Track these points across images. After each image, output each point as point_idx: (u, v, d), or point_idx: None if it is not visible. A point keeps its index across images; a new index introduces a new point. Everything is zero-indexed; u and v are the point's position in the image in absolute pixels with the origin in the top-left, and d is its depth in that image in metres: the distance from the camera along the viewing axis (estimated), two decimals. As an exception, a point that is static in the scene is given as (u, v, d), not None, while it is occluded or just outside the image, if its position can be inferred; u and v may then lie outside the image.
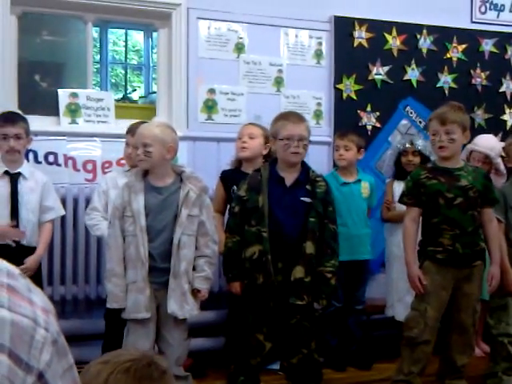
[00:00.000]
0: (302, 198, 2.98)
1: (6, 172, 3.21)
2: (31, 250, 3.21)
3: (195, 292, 2.88)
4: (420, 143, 3.93)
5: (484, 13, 4.79)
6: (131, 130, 3.33)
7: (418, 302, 3.13)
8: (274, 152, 3.35)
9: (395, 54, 4.49)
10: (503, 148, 3.73)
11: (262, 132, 3.55)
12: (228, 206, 3.48)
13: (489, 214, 3.17)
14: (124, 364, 1.06)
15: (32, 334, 0.69)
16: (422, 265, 3.12)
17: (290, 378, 3.09)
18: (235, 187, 3.39)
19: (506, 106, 4.78)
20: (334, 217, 3.07)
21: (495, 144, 3.97)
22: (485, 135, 4.10)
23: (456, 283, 3.10)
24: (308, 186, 3.01)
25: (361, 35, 4.40)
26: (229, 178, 3.58)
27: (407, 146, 3.94)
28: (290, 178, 3.02)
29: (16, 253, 3.09)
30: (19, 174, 3.23)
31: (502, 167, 3.90)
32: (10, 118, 3.25)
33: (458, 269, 3.08)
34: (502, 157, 3.84)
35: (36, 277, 3.15)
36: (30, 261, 3.15)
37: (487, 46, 4.74)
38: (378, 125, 4.44)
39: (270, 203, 2.95)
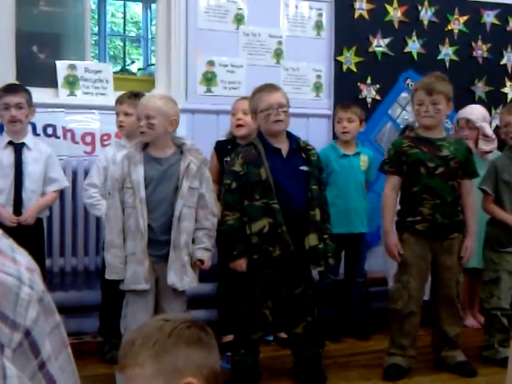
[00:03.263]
0: (300, 167, 3.00)
1: (10, 142, 3.22)
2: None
3: (197, 263, 2.88)
4: None
5: (486, -16, 4.74)
6: (119, 100, 3.37)
7: (399, 273, 3.17)
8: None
9: (396, 25, 4.45)
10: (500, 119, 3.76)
11: None
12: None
13: (467, 186, 3.20)
14: (185, 323, 1.13)
15: (17, 292, 0.69)
16: (401, 236, 3.14)
17: (294, 347, 3.12)
18: (229, 158, 3.40)
19: (506, 79, 4.75)
20: (326, 182, 3.16)
21: (477, 110, 4.06)
22: (470, 105, 4.15)
23: (435, 255, 3.13)
24: (303, 155, 3.04)
25: (361, 6, 4.36)
26: (222, 149, 3.58)
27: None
28: (284, 148, 3.04)
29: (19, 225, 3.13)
30: (23, 144, 3.25)
31: (487, 131, 3.97)
32: (11, 87, 3.29)
33: (437, 240, 3.11)
34: (497, 127, 3.89)
35: (37, 248, 3.16)
36: (27, 211, 3.18)
37: (489, 17, 4.69)
38: (378, 97, 4.42)
39: (273, 175, 2.96)
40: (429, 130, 3.16)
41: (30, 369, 0.70)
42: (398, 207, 3.23)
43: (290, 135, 3.09)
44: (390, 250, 3.15)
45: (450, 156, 3.12)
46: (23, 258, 0.73)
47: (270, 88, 3.06)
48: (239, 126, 3.53)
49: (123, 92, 3.49)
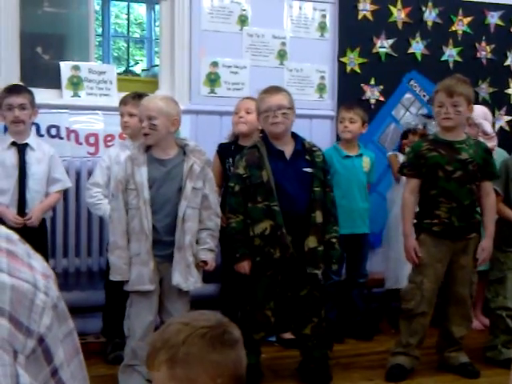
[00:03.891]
0: (304, 169, 3.00)
1: (14, 143, 3.24)
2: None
3: (201, 264, 2.89)
4: (432, 130, 3.96)
5: (490, -15, 4.73)
6: (123, 101, 3.38)
7: (414, 274, 3.16)
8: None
9: (400, 26, 4.45)
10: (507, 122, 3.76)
11: None
12: (224, 184, 3.51)
13: (487, 188, 3.18)
14: (201, 329, 1.11)
15: (32, 299, 0.69)
16: (417, 237, 3.13)
17: (302, 348, 3.12)
18: (231, 160, 3.42)
19: (510, 80, 4.74)
20: (332, 184, 3.13)
21: (477, 108, 4.05)
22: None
23: (452, 256, 3.12)
24: (307, 157, 3.03)
25: (365, 7, 4.36)
26: (225, 151, 3.59)
27: (419, 127, 3.97)
28: (287, 150, 3.04)
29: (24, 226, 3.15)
30: (26, 144, 3.26)
31: (486, 128, 3.96)
32: (14, 88, 3.30)
33: (454, 241, 3.11)
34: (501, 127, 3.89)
35: (40, 249, 3.16)
36: (33, 213, 3.18)
37: (493, 18, 4.68)
38: (381, 98, 4.41)
39: (275, 177, 2.96)
40: (448, 132, 3.14)
41: (42, 376, 0.69)
42: (417, 209, 3.22)
43: (295, 135, 3.09)
44: (408, 252, 3.13)
45: (468, 159, 3.10)
46: (39, 263, 0.73)
47: (273, 90, 3.06)
48: (241, 122, 3.55)
49: (127, 93, 3.50)
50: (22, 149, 3.25)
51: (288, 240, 2.92)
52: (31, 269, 0.71)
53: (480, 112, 4.02)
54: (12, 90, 3.27)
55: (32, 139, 3.31)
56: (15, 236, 0.74)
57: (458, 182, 3.07)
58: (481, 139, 3.94)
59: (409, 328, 3.15)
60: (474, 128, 3.95)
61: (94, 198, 3.32)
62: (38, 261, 0.73)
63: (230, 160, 3.51)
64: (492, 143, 3.97)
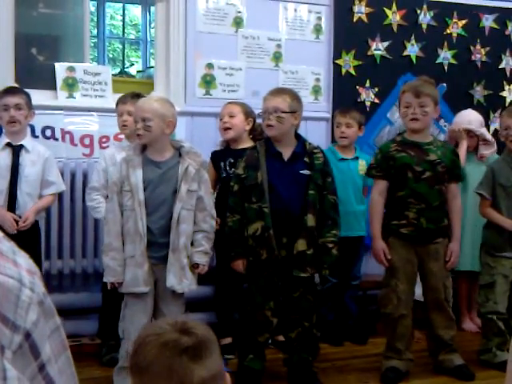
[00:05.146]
0: (301, 171, 2.99)
1: (9, 144, 3.22)
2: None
3: (194, 266, 2.89)
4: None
5: (485, -12, 4.75)
6: (122, 100, 3.38)
7: (387, 277, 3.18)
8: (257, 126, 3.49)
9: (395, 29, 4.46)
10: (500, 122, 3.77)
11: (241, 108, 3.57)
12: (218, 187, 3.53)
13: (453, 190, 3.22)
14: (160, 348, 1.07)
15: (18, 294, 0.69)
16: (386, 240, 3.14)
17: (287, 351, 3.11)
18: (222, 164, 3.45)
19: (505, 83, 4.76)
20: (334, 187, 3.09)
21: (474, 117, 4.04)
22: (462, 111, 4.15)
23: (421, 260, 3.14)
24: (306, 159, 3.02)
25: (360, 10, 4.37)
26: (218, 157, 3.60)
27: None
28: (287, 151, 3.03)
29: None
30: (21, 146, 3.25)
31: (487, 136, 3.98)
32: (10, 89, 3.31)
33: (422, 245, 3.12)
34: (496, 130, 3.90)
35: (33, 251, 3.15)
36: (27, 217, 3.16)
37: (487, 21, 4.70)
38: (376, 101, 4.42)
39: (270, 179, 2.97)
40: (416, 134, 3.17)
41: (29, 371, 0.70)
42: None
43: (299, 137, 3.09)
44: (377, 254, 3.16)
45: (437, 160, 3.13)
46: (24, 260, 0.74)
47: (275, 92, 3.07)
48: (226, 129, 3.55)
49: (125, 93, 3.49)
50: (16, 150, 3.24)
51: (274, 242, 2.91)
52: (16, 265, 0.71)
53: (477, 122, 4.02)
54: (8, 90, 3.28)
55: (27, 141, 3.29)
56: (0, 234, 0.74)
57: (427, 182, 3.09)
58: (481, 147, 3.95)
59: (394, 333, 3.16)
60: (474, 138, 3.96)
61: (93, 202, 3.31)
62: (22, 258, 0.74)
63: (222, 164, 3.53)
64: (492, 149, 3.98)
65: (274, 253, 2.92)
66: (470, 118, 4.06)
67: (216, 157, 3.62)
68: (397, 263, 3.12)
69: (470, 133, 3.97)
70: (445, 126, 4.54)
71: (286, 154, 3.03)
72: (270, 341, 3.56)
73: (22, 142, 3.25)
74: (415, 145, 3.15)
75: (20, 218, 3.17)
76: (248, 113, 3.56)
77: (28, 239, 3.13)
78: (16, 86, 3.51)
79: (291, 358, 3.07)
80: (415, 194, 3.09)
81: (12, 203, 3.20)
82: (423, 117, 3.11)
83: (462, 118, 4.08)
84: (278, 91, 3.09)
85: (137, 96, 3.28)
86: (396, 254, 3.12)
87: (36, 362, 0.71)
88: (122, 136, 3.51)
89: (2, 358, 0.66)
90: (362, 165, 3.82)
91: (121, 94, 3.51)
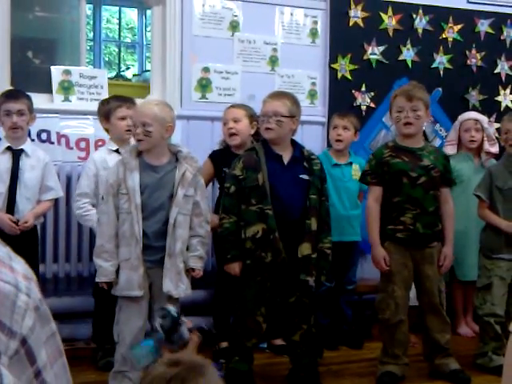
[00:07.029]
0: (300, 176, 2.99)
1: (9, 148, 3.21)
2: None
3: (189, 271, 2.89)
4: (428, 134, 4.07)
5: (480, -7, 4.76)
6: (119, 105, 3.36)
7: (384, 283, 3.17)
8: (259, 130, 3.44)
9: (391, 33, 4.47)
10: (497, 129, 3.81)
11: (246, 112, 3.53)
12: (211, 185, 3.52)
13: (446, 194, 3.23)
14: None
15: (14, 300, 0.69)
16: (382, 245, 3.14)
17: (292, 354, 3.11)
18: (227, 170, 3.41)
19: (500, 88, 4.77)
20: (328, 193, 3.14)
21: (480, 114, 4.21)
22: (469, 111, 4.29)
23: (416, 264, 3.14)
24: (305, 164, 3.03)
25: (356, 14, 4.37)
26: (219, 159, 3.54)
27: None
28: (286, 155, 3.03)
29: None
30: (22, 150, 3.23)
31: (492, 133, 4.06)
32: (12, 94, 3.27)
33: (417, 250, 3.11)
34: (496, 137, 3.96)
35: (31, 255, 3.14)
36: (27, 220, 3.15)
37: (483, 26, 4.71)
38: (372, 105, 4.42)
39: (271, 181, 2.96)
40: (408, 139, 3.17)
41: (26, 377, 0.69)
42: None
43: (294, 142, 3.09)
44: (377, 262, 3.14)
45: (430, 165, 3.14)
46: (20, 266, 0.73)
47: (275, 95, 3.08)
48: (232, 135, 3.51)
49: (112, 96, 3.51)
50: (17, 154, 3.22)
51: (281, 245, 2.91)
52: (12, 271, 0.71)
53: (485, 119, 4.12)
54: (10, 95, 3.24)
55: (28, 145, 3.28)
56: None
57: (422, 188, 3.10)
58: (486, 143, 3.98)
59: (392, 339, 3.15)
60: (480, 133, 4.01)
61: (81, 210, 3.27)
62: (19, 263, 0.74)
63: (226, 169, 3.49)
64: (496, 148, 4.02)
65: (280, 256, 2.91)
66: (476, 113, 4.21)
67: (217, 158, 3.57)
68: (393, 268, 3.12)
69: (477, 124, 4.03)
70: (440, 130, 4.55)
71: (286, 157, 3.03)
72: (265, 345, 3.57)
73: (22, 147, 3.24)
74: (408, 150, 3.15)
75: (18, 220, 3.16)
76: (252, 116, 3.50)
77: (26, 244, 3.13)
78: (17, 89, 3.45)
79: (300, 361, 3.06)
80: (411, 199, 3.09)
81: (11, 207, 3.19)
82: (416, 121, 3.11)
83: (468, 113, 4.21)
84: (279, 95, 3.09)
85: (125, 100, 3.30)
86: (392, 258, 3.12)
87: (32, 367, 0.70)
88: (106, 138, 3.49)
89: None
90: (356, 169, 3.82)
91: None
